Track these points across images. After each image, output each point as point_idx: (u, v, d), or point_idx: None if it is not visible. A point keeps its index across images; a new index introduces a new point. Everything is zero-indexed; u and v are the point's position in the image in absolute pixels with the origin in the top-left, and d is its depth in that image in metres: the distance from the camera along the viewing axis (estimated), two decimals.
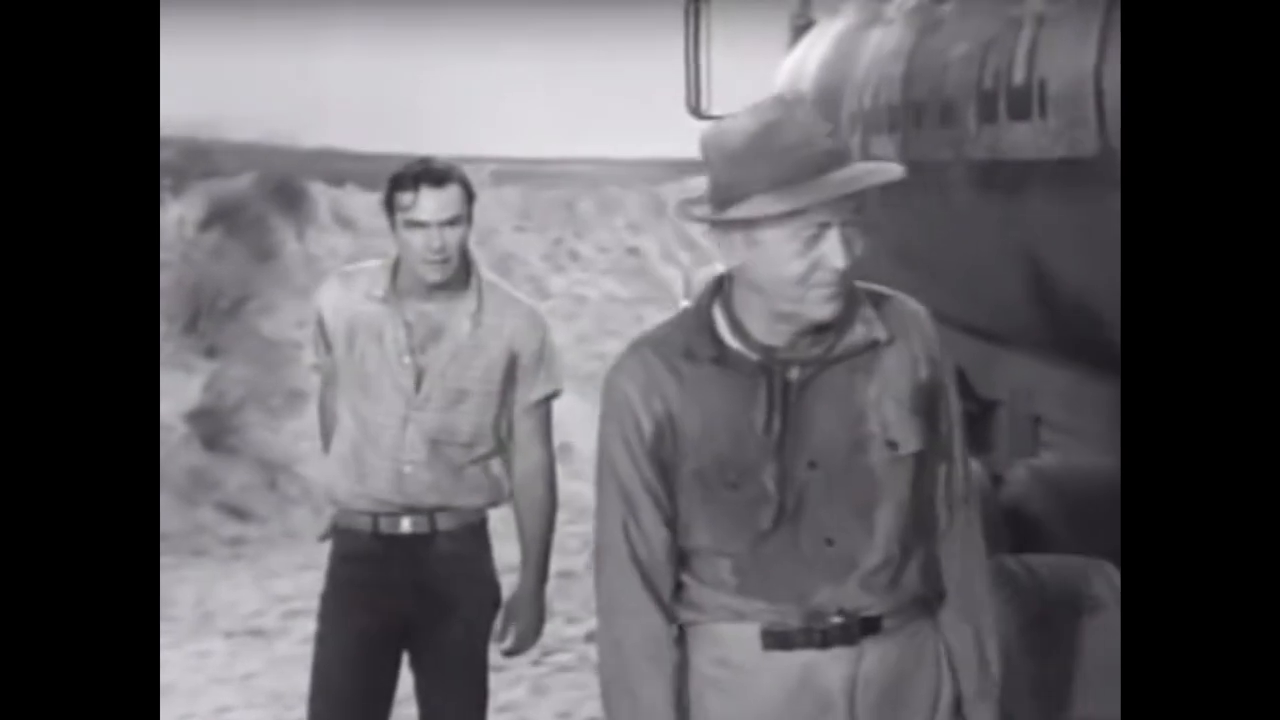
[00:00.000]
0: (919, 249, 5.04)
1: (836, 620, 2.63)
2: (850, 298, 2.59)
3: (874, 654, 2.65)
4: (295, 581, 8.10)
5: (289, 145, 13.92)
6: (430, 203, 3.90)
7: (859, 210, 2.52)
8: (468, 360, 4.03)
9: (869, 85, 4.92)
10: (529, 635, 4.22)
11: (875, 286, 2.69)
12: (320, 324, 4.13)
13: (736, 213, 2.52)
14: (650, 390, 2.64)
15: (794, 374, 2.61)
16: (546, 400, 4.15)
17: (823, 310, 2.55)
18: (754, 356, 2.61)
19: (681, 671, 2.70)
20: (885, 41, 4.89)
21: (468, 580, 4.13)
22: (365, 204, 13.47)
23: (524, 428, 4.14)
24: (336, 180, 13.84)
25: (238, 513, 9.63)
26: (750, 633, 2.65)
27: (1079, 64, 3.54)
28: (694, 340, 2.65)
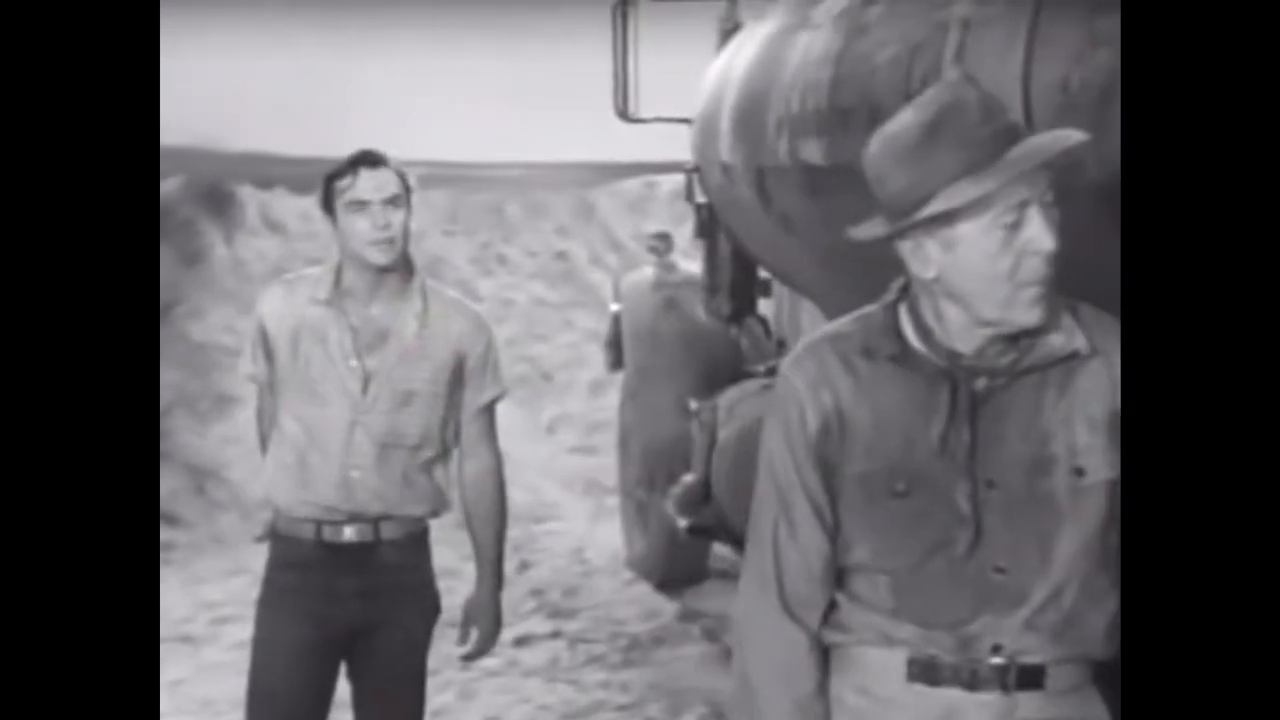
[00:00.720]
0: (846, 253, 5.05)
1: (992, 660, 2.40)
2: (1052, 303, 2.38)
3: (1028, 710, 2.42)
4: (224, 587, 8.06)
5: (217, 149, 13.84)
6: (368, 182, 3.92)
7: (1052, 189, 2.33)
8: (415, 361, 4.03)
9: (796, 89, 4.93)
10: (489, 637, 4.23)
11: (1073, 300, 2.46)
12: (262, 332, 4.10)
13: (932, 209, 2.31)
14: (820, 383, 2.45)
15: (980, 384, 2.40)
16: (492, 403, 4.17)
17: (1031, 314, 2.35)
18: (938, 361, 2.42)
19: (824, 699, 2.50)
20: (813, 46, 4.90)
21: (409, 590, 4.13)
22: (294, 208, 13.44)
23: (472, 432, 4.16)
24: (265, 184, 13.78)
25: (165, 518, 9.55)
26: (897, 661, 2.44)
27: (1006, 68, 3.56)
28: (874, 337, 2.46)
